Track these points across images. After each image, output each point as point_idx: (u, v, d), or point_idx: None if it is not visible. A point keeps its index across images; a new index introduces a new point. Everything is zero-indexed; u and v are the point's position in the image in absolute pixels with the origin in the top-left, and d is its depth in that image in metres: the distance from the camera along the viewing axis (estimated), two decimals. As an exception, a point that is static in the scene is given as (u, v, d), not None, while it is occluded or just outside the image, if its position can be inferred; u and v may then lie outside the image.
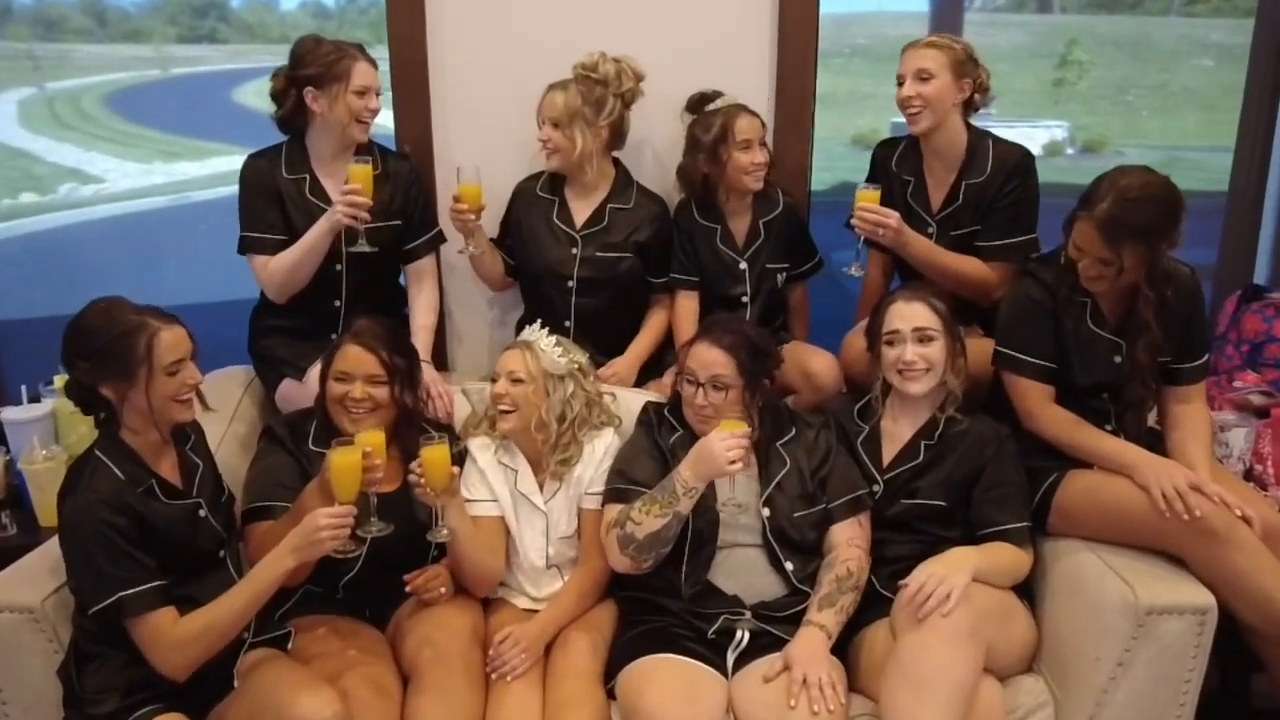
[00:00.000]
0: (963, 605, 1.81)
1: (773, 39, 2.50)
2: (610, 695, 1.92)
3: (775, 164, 2.41)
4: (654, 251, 2.46)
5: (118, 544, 1.69)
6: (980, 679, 1.81)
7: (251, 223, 2.35)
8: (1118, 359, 2.07)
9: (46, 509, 2.43)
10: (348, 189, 2.20)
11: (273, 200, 2.33)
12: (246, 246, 2.36)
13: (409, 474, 1.91)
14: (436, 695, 1.84)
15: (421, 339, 2.43)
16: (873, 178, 2.41)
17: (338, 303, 2.40)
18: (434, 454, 1.86)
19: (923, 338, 2.04)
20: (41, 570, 1.92)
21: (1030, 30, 11.92)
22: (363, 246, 2.26)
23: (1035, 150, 2.36)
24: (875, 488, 2.10)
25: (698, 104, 2.40)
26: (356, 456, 1.79)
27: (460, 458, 2.15)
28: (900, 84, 2.26)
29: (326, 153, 2.37)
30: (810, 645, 1.86)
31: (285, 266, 2.31)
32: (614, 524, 1.97)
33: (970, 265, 2.30)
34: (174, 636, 1.71)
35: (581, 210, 2.46)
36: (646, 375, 2.50)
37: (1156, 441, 2.14)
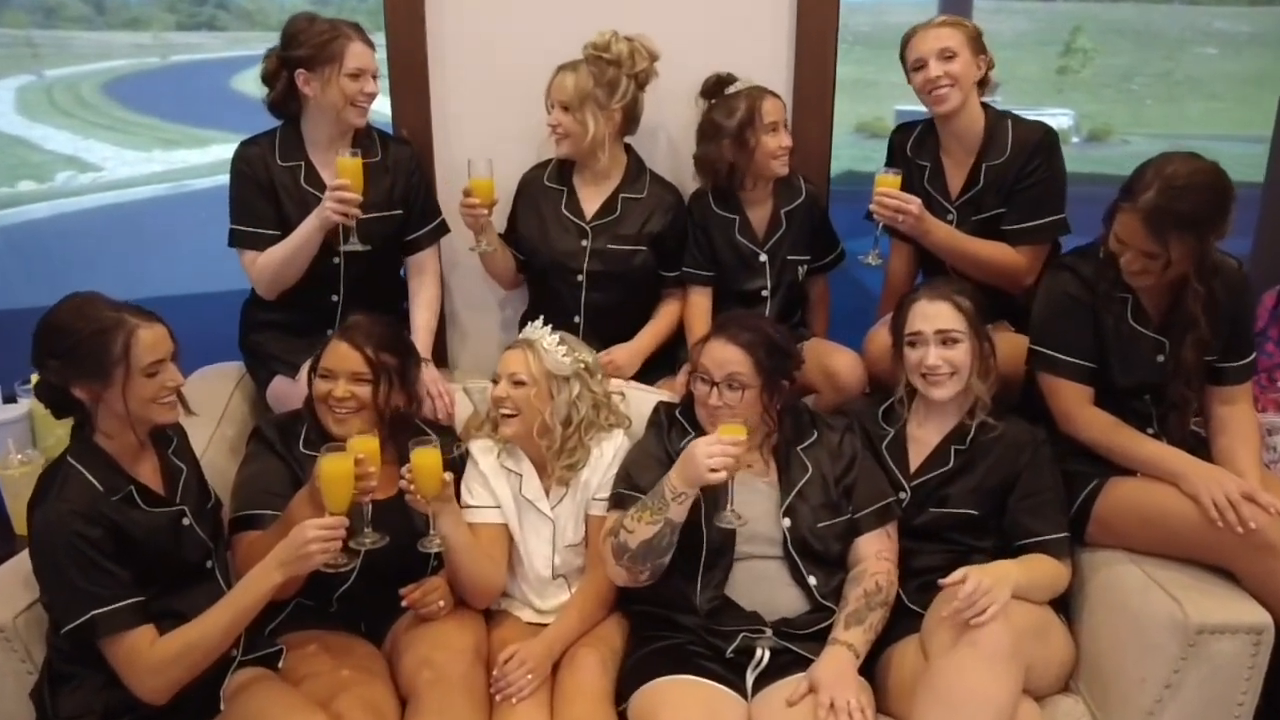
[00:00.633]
0: (1001, 623, 1.68)
1: (791, 18, 2.37)
2: (621, 717, 1.79)
3: (794, 150, 2.28)
4: (668, 243, 2.33)
5: (91, 557, 1.58)
6: (1019, 702, 1.68)
7: (241, 215, 2.23)
8: (1160, 358, 1.94)
9: (22, 517, 2.30)
10: (336, 184, 2.07)
11: (264, 192, 2.21)
12: (236, 240, 2.24)
13: (400, 479, 1.78)
14: (436, 720, 1.71)
15: (422, 335, 2.31)
16: (891, 164, 2.29)
17: (335, 297, 2.27)
18: (424, 458, 1.74)
19: (946, 340, 1.91)
20: (14, 584, 1.79)
21: (1034, 17, 11.76)
22: (354, 245, 2.13)
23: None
24: (902, 495, 1.97)
25: (714, 88, 2.26)
26: (348, 464, 1.67)
27: (461, 461, 2.03)
28: (919, 68, 2.15)
29: (322, 139, 2.23)
30: (837, 666, 1.73)
31: (274, 263, 2.19)
32: (610, 531, 1.87)
33: (997, 250, 2.19)
34: (152, 658, 1.60)
35: (592, 200, 2.33)
36: (659, 372, 2.38)
37: (1200, 446, 2.01)
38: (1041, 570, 1.86)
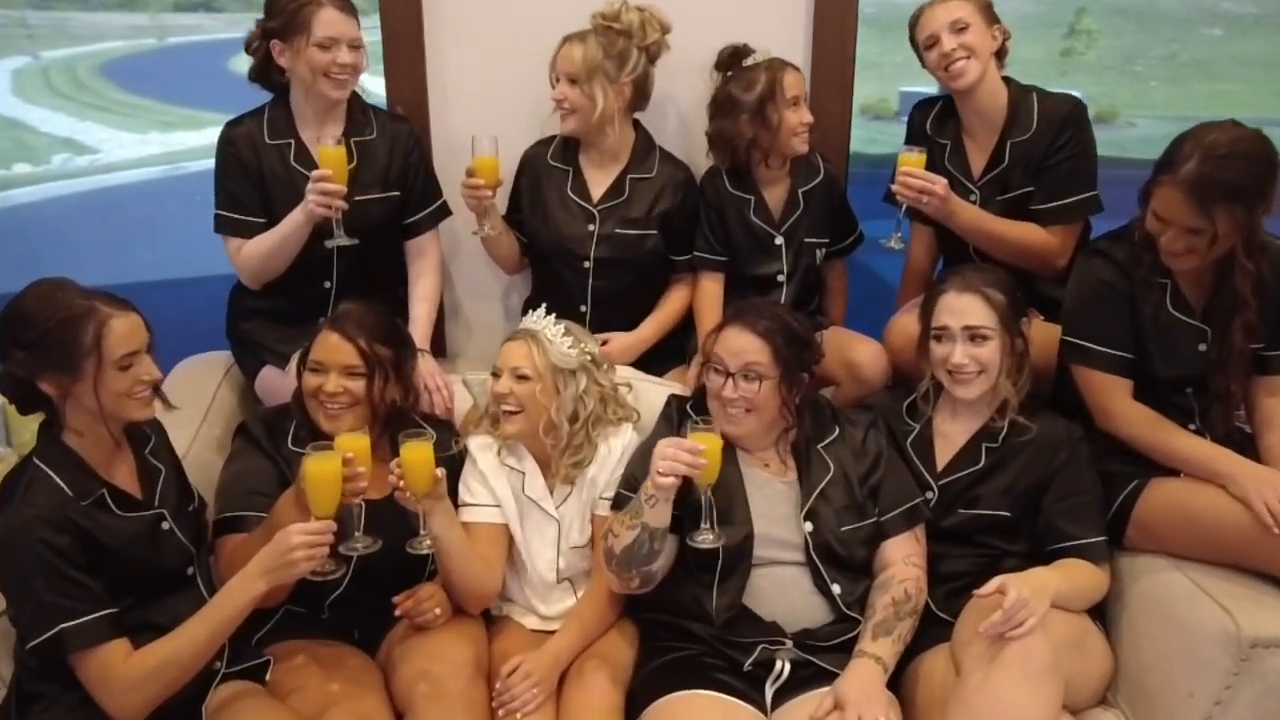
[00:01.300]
0: (1040, 636, 1.56)
1: (810, -14, 2.22)
2: (632, 732, 1.67)
3: (813, 128, 2.14)
4: (677, 224, 2.19)
5: (58, 567, 1.46)
6: (1058, 718, 1.57)
7: (226, 201, 2.10)
8: (1202, 347, 1.81)
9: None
10: (317, 175, 1.93)
11: (250, 175, 2.08)
12: (221, 226, 2.12)
13: (391, 476, 1.66)
14: (434, 739, 1.59)
15: (420, 324, 2.17)
16: (910, 142, 2.16)
17: (328, 284, 2.14)
18: (414, 453, 1.62)
19: (975, 336, 1.78)
20: (-20, 594, 1.64)
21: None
22: (341, 239, 1.99)
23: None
24: (929, 495, 1.84)
25: (731, 60, 2.12)
26: (335, 464, 1.55)
27: (460, 458, 1.90)
28: (931, 45, 2.03)
29: (309, 115, 2.10)
30: (864, 681, 1.61)
31: (259, 255, 2.07)
32: (602, 535, 1.77)
33: (1026, 231, 2.06)
34: (126, 674, 1.49)
35: (599, 181, 2.19)
36: (669, 363, 2.25)
37: (1246, 443, 1.87)
38: (1080, 577, 1.74)
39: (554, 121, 2.16)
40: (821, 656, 1.68)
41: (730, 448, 1.80)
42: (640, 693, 1.70)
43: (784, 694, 1.67)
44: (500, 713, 1.67)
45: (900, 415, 1.91)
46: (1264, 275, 1.74)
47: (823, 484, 1.77)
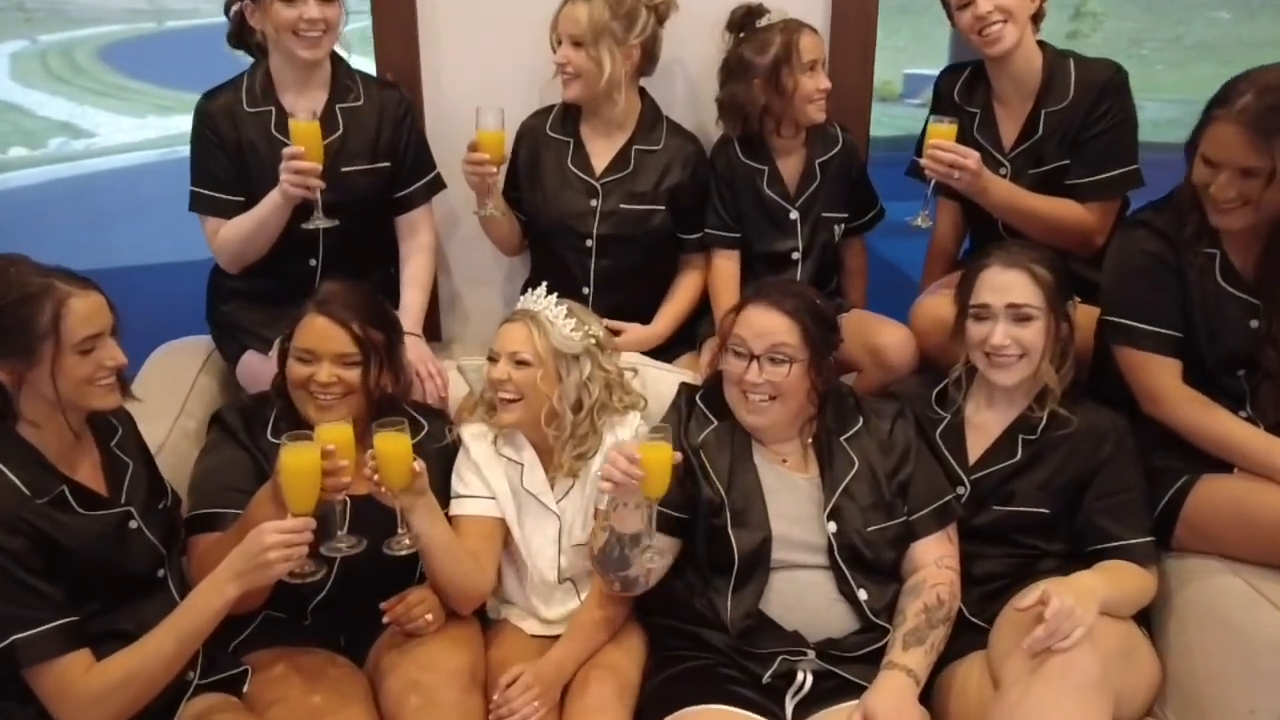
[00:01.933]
0: (1088, 647, 1.42)
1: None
2: (641, 749, 1.53)
3: (831, 94, 1.99)
4: (685, 200, 2.04)
5: (11, 572, 1.34)
6: (1106, 736, 1.43)
7: (203, 178, 1.96)
8: (1254, 323, 1.66)
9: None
10: (289, 152, 1.78)
11: (228, 150, 1.94)
12: (196, 204, 1.98)
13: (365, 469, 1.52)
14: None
15: (413, 306, 2.03)
16: (938, 111, 2.02)
17: (313, 261, 1.99)
18: (389, 444, 1.48)
19: (1019, 316, 1.63)
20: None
21: (1044, -18, 11.33)
22: (319, 222, 1.84)
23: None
24: (960, 491, 1.69)
25: (744, 20, 1.96)
26: (313, 456, 1.42)
27: (454, 450, 1.77)
28: (965, 4, 1.87)
29: (288, 80, 1.95)
30: (896, 695, 1.48)
31: (237, 237, 1.93)
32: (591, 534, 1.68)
33: (1064, 208, 1.92)
34: (87, 689, 1.37)
35: (602, 153, 2.04)
36: (679, 348, 2.10)
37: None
38: (1127, 581, 1.59)
39: (555, 90, 2.01)
40: (847, 668, 1.55)
41: (745, 441, 1.66)
42: (649, 706, 1.57)
43: (806, 708, 1.54)
44: (498, 728, 1.53)
45: (929, 404, 1.76)
46: None
47: (847, 480, 1.63)
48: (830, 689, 1.54)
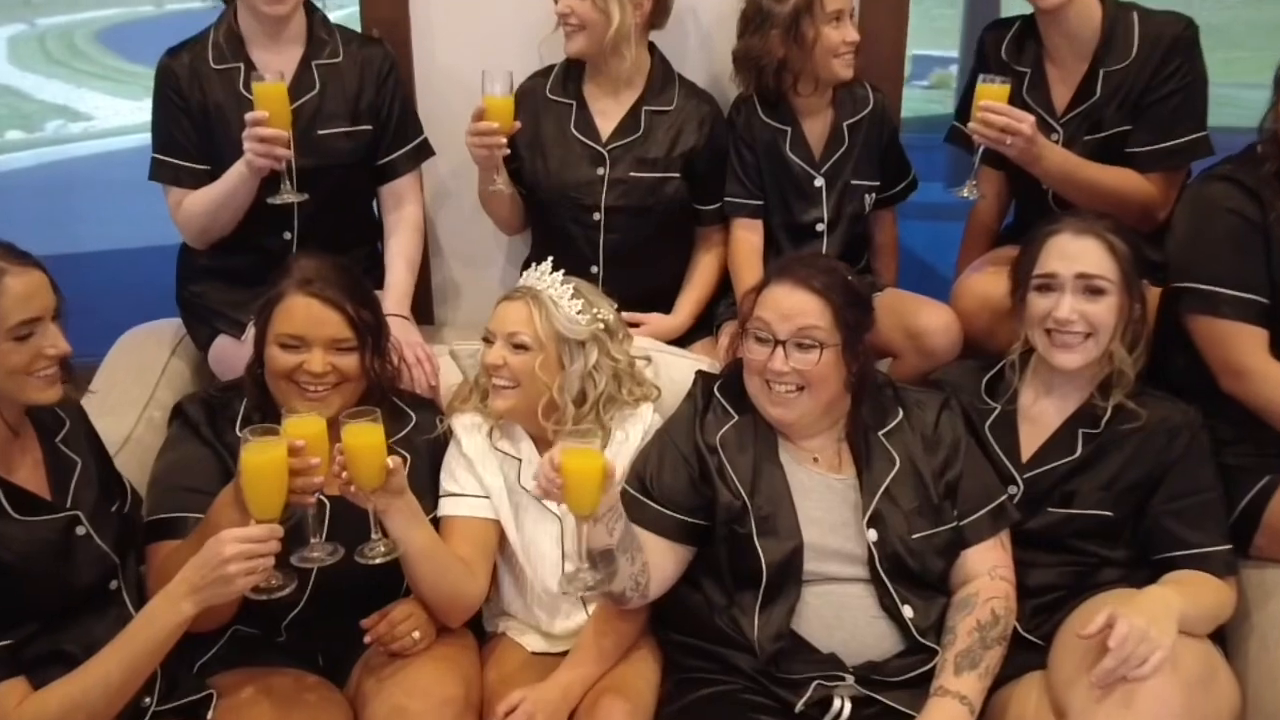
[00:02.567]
0: (1167, 674, 1.24)
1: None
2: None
3: (860, 49, 1.81)
4: (702, 165, 1.86)
5: None
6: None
7: (164, 143, 1.79)
8: None
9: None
10: (251, 118, 1.60)
11: (192, 113, 1.76)
12: (157, 173, 1.80)
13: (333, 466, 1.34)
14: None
15: (399, 285, 1.84)
16: (983, 70, 1.80)
17: (288, 234, 1.81)
18: (359, 437, 1.30)
19: (1089, 289, 1.45)
20: None
21: (1052, -37, 11.13)
22: (288, 196, 1.66)
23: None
24: (1012, 491, 1.51)
25: None
26: (278, 454, 1.24)
27: (445, 442, 1.59)
28: None
29: (260, 34, 1.77)
30: None
31: (201, 211, 1.76)
32: None
33: (1127, 179, 1.74)
34: None
35: (608, 116, 1.86)
36: (695, 331, 1.93)
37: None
38: (1203, 594, 1.41)
39: (557, 46, 1.81)
40: (890, 694, 1.36)
41: (770, 437, 1.46)
42: (666, 735, 1.38)
43: (843, 738, 1.34)
44: (495, 762, 1.35)
45: (977, 393, 1.57)
46: None
47: (887, 481, 1.43)
48: (870, 716, 1.35)
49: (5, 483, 1.27)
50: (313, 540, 1.32)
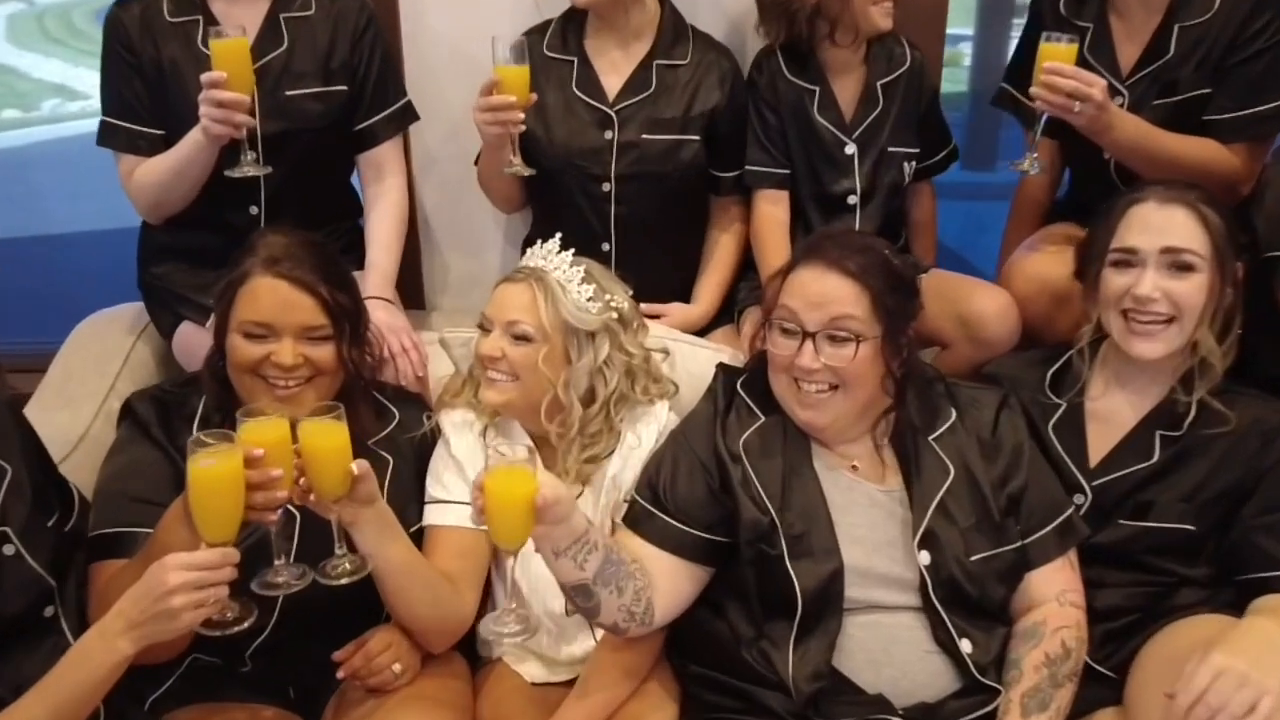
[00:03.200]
0: None
1: None
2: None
3: (898, 2, 1.62)
4: (724, 127, 1.67)
5: None
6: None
7: (114, 105, 1.61)
8: None
9: None
10: (208, 79, 1.41)
11: (145, 71, 1.58)
12: (106, 137, 1.62)
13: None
14: None
15: (381, 264, 1.66)
16: (1041, 26, 1.61)
17: (255, 209, 1.62)
18: (318, 438, 1.13)
19: (1176, 264, 1.27)
20: None
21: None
22: (248, 169, 1.48)
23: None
24: (1079, 500, 1.32)
25: None
26: (232, 465, 1.07)
27: (432, 441, 1.42)
28: None
29: None
30: None
31: (155, 182, 1.58)
32: None
33: (1204, 150, 1.55)
34: None
35: (615, 72, 1.67)
36: (714, 318, 1.75)
37: None
38: None
39: (555, 1, 1.63)
40: (945, 739, 1.17)
41: (802, 441, 1.27)
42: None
43: (890, 790, 1.16)
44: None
45: (1039, 387, 1.38)
46: None
47: (941, 493, 1.24)
48: (922, 765, 1.16)
49: None
50: (277, 562, 1.14)
